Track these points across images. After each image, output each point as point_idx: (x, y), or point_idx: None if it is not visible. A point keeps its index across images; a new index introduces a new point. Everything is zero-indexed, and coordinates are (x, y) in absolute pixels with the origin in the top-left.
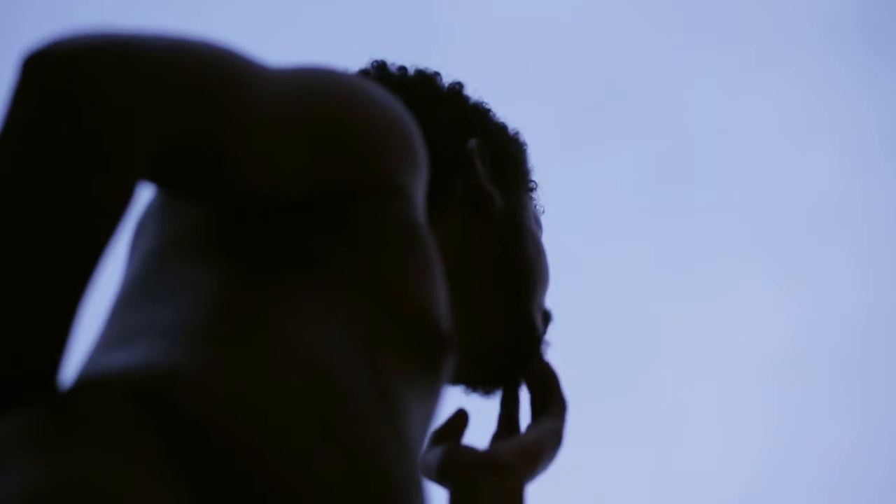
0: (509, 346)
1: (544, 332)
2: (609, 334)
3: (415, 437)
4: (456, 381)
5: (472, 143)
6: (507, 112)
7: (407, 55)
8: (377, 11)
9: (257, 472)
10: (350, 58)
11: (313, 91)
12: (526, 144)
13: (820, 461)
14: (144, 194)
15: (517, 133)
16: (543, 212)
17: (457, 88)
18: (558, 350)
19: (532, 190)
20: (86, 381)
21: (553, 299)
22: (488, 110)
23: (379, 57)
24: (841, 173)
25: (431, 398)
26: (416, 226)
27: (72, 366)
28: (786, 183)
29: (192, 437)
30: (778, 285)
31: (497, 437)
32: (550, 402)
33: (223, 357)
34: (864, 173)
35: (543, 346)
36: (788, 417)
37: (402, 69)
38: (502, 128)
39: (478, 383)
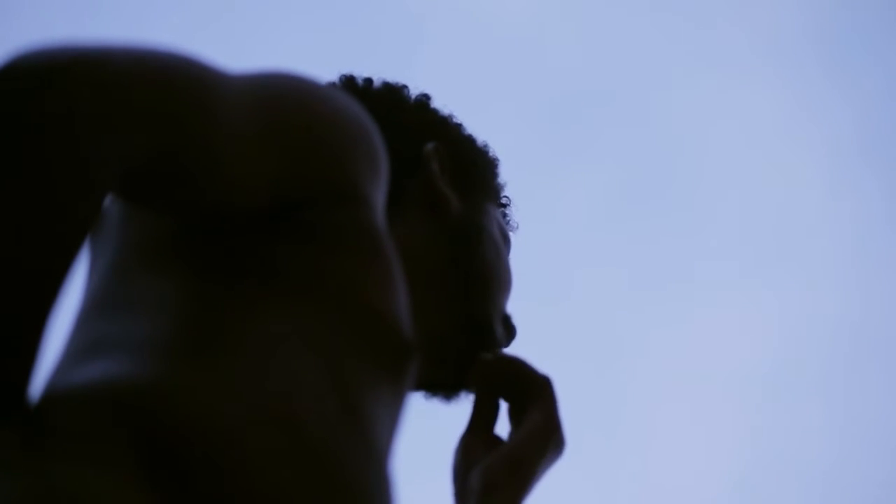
0: (466, 348)
1: (505, 337)
2: (590, 350)
3: (382, 446)
4: (415, 386)
5: (430, 146)
6: (479, 128)
7: (375, 61)
8: (346, 21)
9: (230, 485)
10: (324, 65)
11: (275, 97)
12: (496, 158)
13: (803, 472)
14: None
15: (486, 145)
16: (517, 228)
17: (423, 100)
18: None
19: (502, 204)
20: (56, 394)
21: (538, 315)
22: (455, 121)
23: (350, 65)
24: (820, 184)
25: (396, 405)
26: (377, 233)
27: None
28: (765, 194)
29: (166, 451)
30: (759, 296)
31: (469, 440)
32: (528, 391)
33: (193, 370)
34: (844, 184)
35: (500, 351)
36: (771, 429)
37: (368, 80)
38: (469, 138)
39: (436, 388)
